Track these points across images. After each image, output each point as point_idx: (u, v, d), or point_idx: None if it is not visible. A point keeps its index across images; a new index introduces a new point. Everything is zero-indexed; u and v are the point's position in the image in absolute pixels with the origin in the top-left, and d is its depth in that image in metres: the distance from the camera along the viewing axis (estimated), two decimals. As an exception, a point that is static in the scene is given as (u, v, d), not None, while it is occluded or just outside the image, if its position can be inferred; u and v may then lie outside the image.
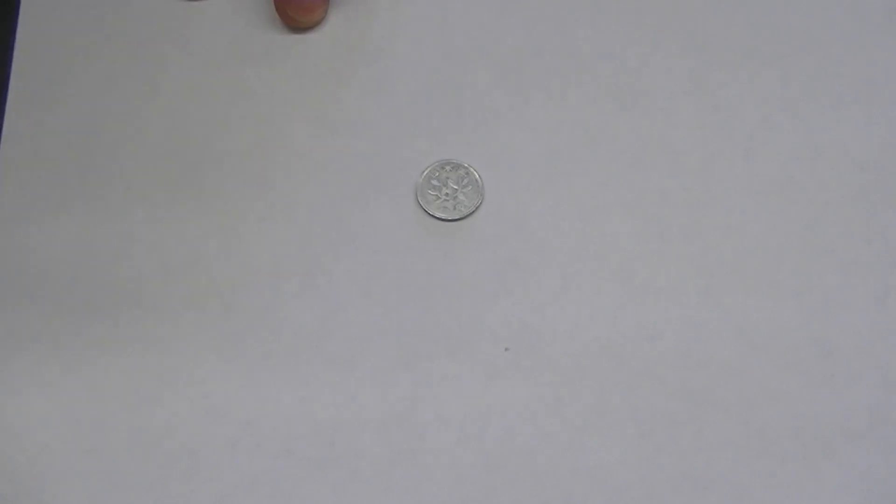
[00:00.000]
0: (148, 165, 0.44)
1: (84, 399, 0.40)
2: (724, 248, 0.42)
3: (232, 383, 0.41)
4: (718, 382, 0.40)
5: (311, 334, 0.41)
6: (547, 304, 0.41)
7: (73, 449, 0.40)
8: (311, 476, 0.39)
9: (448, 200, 0.43)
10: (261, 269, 0.42)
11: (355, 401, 0.40)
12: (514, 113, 0.44)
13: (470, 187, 0.43)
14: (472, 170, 0.43)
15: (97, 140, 0.44)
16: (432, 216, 0.43)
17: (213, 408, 0.40)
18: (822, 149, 0.43)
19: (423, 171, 0.43)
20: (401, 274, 0.42)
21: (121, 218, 0.43)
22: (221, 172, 0.44)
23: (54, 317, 0.42)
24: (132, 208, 0.43)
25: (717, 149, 0.43)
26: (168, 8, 0.46)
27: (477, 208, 0.43)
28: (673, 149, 0.44)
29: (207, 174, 0.43)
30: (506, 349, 0.41)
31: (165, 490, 0.39)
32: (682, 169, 0.43)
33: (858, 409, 0.40)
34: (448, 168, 0.43)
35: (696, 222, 0.42)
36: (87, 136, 0.44)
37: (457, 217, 0.43)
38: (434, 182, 0.43)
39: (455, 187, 0.43)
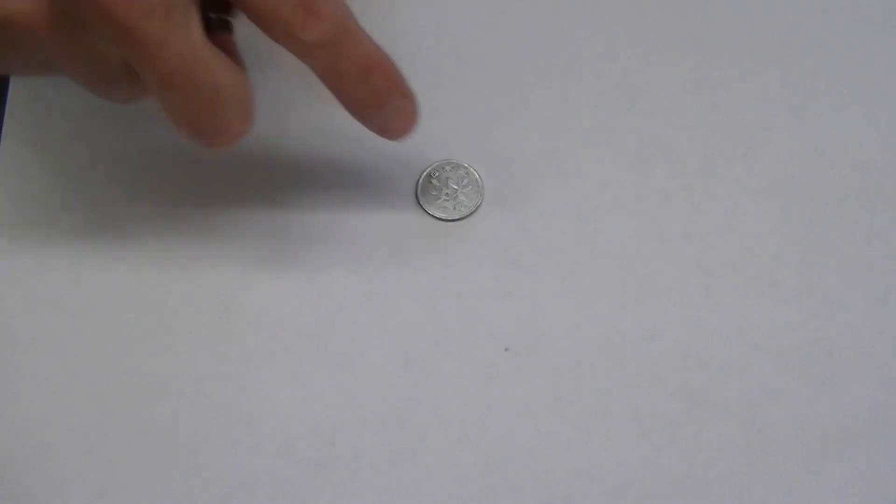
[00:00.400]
0: (148, 166, 0.44)
1: (84, 399, 0.40)
2: (724, 248, 0.42)
3: (232, 383, 0.41)
4: (718, 382, 0.40)
5: (311, 334, 0.41)
6: (547, 304, 0.41)
7: (73, 449, 0.40)
8: (311, 476, 0.39)
9: (448, 200, 0.43)
10: (261, 269, 0.42)
11: (355, 401, 0.40)
12: (514, 113, 0.44)
13: (470, 187, 0.43)
14: (472, 170, 0.43)
15: (98, 140, 0.44)
16: (432, 216, 0.43)
17: (213, 408, 0.40)
18: (822, 149, 0.43)
19: (423, 171, 0.43)
20: (401, 274, 0.42)
21: (121, 217, 0.43)
22: (222, 172, 0.43)
23: (54, 316, 0.42)
24: (132, 208, 0.43)
25: (717, 149, 0.43)
26: (168, 8, 0.46)
27: (477, 208, 0.43)
28: (673, 149, 0.44)
29: (208, 174, 0.43)
30: (506, 349, 0.41)
31: (165, 490, 0.39)
32: (682, 169, 0.43)
33: (858, 409, 0.40)
34: (448, 168, 0.43)
35: (696, 222, 0.42)
36: (87, 136, 0.44)
37: (457, 217, 0.43)
38: (434, 182, 0.43)
39: (455, 187, 0.43)
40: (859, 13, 0.45)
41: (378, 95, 0.38)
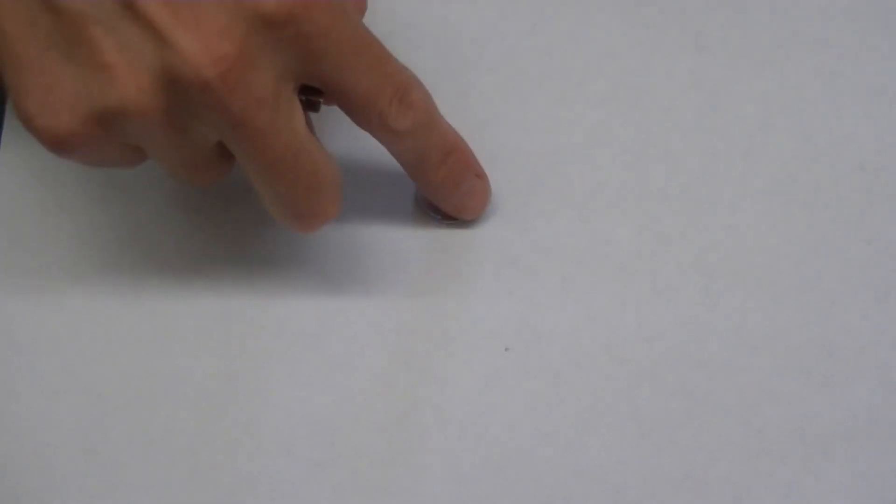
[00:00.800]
0: (148, 166, 0.44)
1: (84, 399, 0.40)
2: (724, 248, 0.42)
3: (232, 383, 0.41)
4: (718, 382, 0.40)
5: (311, 334, 0.41)
6: (547, 304, 0.41)
7: (73, 449, 0.40)
8: (311, 476, 0.39)
9: (448, 200, 0.43)
10: (261, 268, 0.42)
11: (355, 401, 0.40)
12: (514, 113, 0.44)
13: None
14: None
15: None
16: (432, 216, 0.43)
17: (213, 408, 0.40)
18: (822, 149, 0.43)
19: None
20: (400, 274, 0.42)
21: (121, 218, 0.43)
22: (221, 172, 0.44)
23: (54, 316, 0.42)
24: (132, 208, 0.43)
25: (717, 149, 0.43)
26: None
27: None
28: (673, 149, 0.44)
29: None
30: (506, 349, 0.41)
31: (165, 490, 0.39)
32: (682, 169, 0.43)
33: (858, 409, 0.40)
34: (448, 168, 0.43)
35: (696, 222, 0.42)
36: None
37: (455, 216, 0.43)
38: (434, 182, 0.43)
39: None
40: (859, 13, 0.45)
41: (455, 176, 0.41)
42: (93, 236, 0.43)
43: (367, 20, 0.46)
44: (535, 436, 0.40)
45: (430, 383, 0.40)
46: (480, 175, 0.42)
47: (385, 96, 0.37)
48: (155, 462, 0.40)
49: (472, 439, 0.40)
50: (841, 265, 0.42)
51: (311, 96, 0.38)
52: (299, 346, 0.41)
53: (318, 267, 0.42)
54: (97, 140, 0.35)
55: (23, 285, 0.42)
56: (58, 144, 0.35)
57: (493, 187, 0.43)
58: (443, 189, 0.41)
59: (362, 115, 0.38)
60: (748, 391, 0.40)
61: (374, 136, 0.39)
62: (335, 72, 0.36)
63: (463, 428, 0.40)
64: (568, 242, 0.42)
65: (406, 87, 0.38)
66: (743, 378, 0.40)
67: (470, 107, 0.44)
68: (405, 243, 0.42)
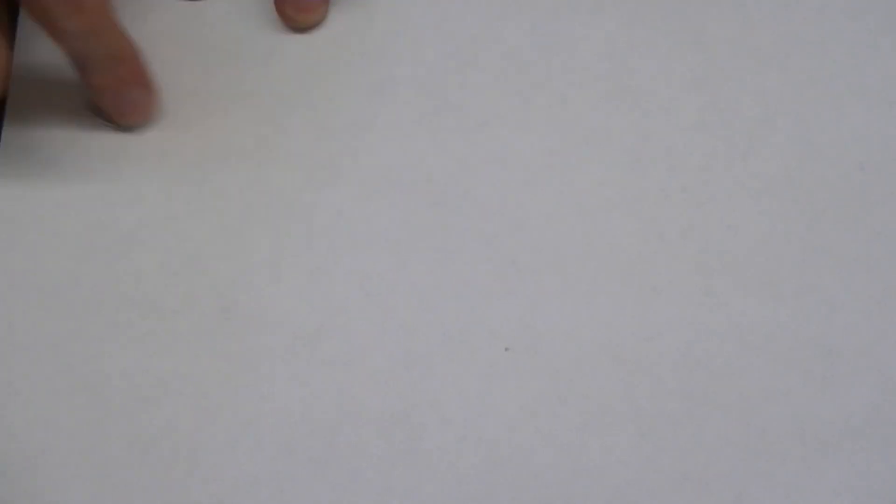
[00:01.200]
0: (147, 166, 0.44)
1: (83, 399, 0.40)
2: (724, 248, 0.42)
3: (232, 383, 0.41)
4: (718, 382, 0.40)
5: (312, 334, 0.41)
6: (547, 304, 0.41)
7: (73, 449, 0.40)
8: (311, 476, 0.39)
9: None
10: (261, 268, 0.42)
11: (355, 401, 0.40)
12: (513, 113, 0.44)
13: None
14: None
15: (97, 140, 0.44)
16: (98, 118, 0.43)
17: (213, 408, 0.40)
18: (822, 149, 0.43)
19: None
20: (400, 274, 0.42)
21: (121, 218, 0.43)
22: (221, 172, 0.44)
23: (54, 316, 0.42)
24: (132, 208, 0.43)
25: (717, 149, 0.43)
26: (168, 8, 0.46)
27: None
28: (673, 149, 0.44)
29: (207, 174, 0.43)
30: (506, 349, 0.41)
31: (165, 490, 0.39)
32: (682, 169, 0.43)
33: (858, 409, 0.40)
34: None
35: (696, 222, 0.42)
36: (87, 137, 0.44)
37: (118, 122, 0.43)
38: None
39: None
40: (858, 13, 0.45)
41: (119, 83, 0.42)
42: (93, 236, 0.43)
43: (367, 20, 0.46)
44: (535, 436, 0.40)
45: (430, 383, 0.40)
46: (147, 87, 0.43)
47: None
48: (155, 462, 0.40)
49: (472, 439, 0.40)
50: (841, 265, 0.42)
51: None
52: (299, 345, 0.41)
53: (319, 267, 0.42)
54: None
55: (23, 285, 0.42)
56: None
57: (493, 187, 0.43)
58: (105, 94, 0.42)
59: (32, 10, 0.39)
60: (748, 391, 0.40)
61: (44, 31, 0.40)
62: None
63: (463, 428, 0.40)
64: (568, 242, 0.42)
65: None
66: (743, 378, 0.40)
67: (470, 107, 0.44)
68: (406, 243, 0.42)
